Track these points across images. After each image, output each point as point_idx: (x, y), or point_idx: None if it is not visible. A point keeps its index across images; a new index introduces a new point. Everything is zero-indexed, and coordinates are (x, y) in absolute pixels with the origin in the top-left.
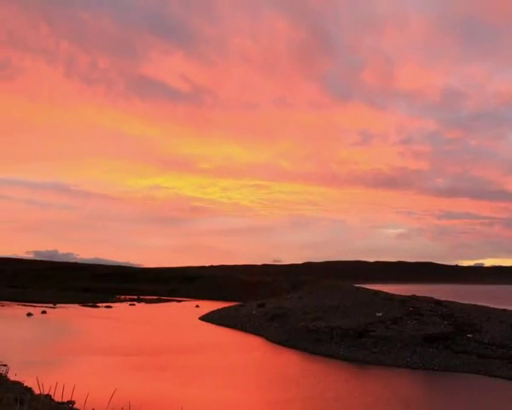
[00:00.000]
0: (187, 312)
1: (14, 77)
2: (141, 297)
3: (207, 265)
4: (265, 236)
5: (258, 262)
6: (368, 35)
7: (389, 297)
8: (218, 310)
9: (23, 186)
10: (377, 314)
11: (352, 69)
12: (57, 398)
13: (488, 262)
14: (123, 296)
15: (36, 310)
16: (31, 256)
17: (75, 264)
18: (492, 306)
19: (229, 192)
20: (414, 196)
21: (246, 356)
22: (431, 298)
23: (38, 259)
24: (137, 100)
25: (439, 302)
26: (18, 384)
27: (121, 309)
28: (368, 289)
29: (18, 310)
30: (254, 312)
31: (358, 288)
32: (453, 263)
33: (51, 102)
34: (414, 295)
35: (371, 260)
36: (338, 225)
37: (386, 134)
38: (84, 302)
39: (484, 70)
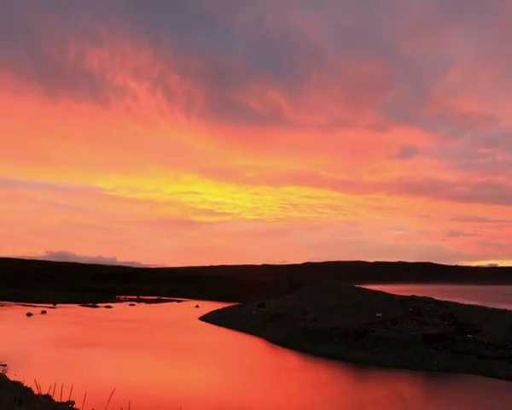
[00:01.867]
0: (187, 312)
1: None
2: (141, 297)
3: (207, 265)
4: (272, 237)
5: (258, 262)
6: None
7: (389, 297)
8: (218, 310)
9: (63, 191)
10: (377, 314)
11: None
12: (56, 398)
13: (489, 263)
14: (123, 296)
15: (36, 310)
16: (43, 257)
17: (75, 264)
18: (492, 306)
19: (256, 197)
20: (431, 202)
21: (245, 356)
22: (431, 298)
23: (38, 259)
24: (210, 117)
25: (438, 302)
26: (17, 384)
27: (121, 309)
28: (368, 289)
29: (18, 310)
30: (254, 312)
31: (358, 288)
32: (453, 263)
33: (128, 112)
34: (414, 296)
35: (371, 260)
36: (346, 226)
37: (423, 150)
38: (83, 302)
39: None
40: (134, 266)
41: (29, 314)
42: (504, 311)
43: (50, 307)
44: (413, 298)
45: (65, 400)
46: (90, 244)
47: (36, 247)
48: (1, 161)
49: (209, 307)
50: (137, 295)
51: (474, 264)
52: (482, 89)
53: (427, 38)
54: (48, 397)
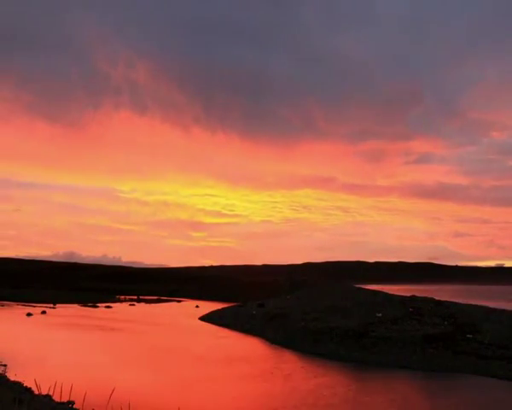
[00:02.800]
0: (187, 312)
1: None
2: (141, 297)
3: (207, 265)
4: (275, 238)
5: (258, 263)
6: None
7: (389, 297)
8: (218, 310)
9: (80, 192)
10: (377, 315)
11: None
12: (56, 398)
13: (489, 263)
14: (123, 296)
15: (36, 310)
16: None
17: (75, 264)
18: (492, 306)
19: (268, 199)
20: (440, 204)
21: (245, 356)
22: (431, 298)
23: (38, 259)
24: (243, 127)
25: (438, 302)
26: (18, 384)
27: (121, 309)
28: (368, 289)
29: (18, 310)
30: (254, 312)
31: (358, 288)
32: (456, 263)
33: (164, 120)
34: (414, 296)
35: (371, 260)
36: (351, 227)
37: (438, 157)
38: (83, 302)
39: None
40: (135, 266)
41: (29, 314)
42: (504, 311)
43: (50, 307)
44: (413, 298)
45: (65, 400)
46: (96, 245)
47: (42, 247)
48: (29, 165)
49: (209, 307)
50: (137, 296)
51: (478, 264)
52: (500, 104)
53: (455, 61)
54: (48, 397)
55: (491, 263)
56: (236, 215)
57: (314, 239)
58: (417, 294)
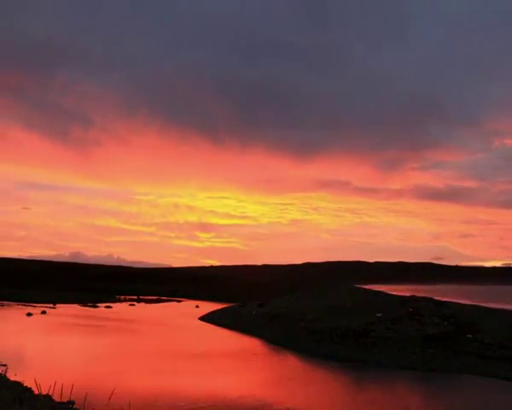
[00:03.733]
0: (187, 312)
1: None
2: (141, 297)
3: (207, 265)
4: (278, 238)
5: (258, 263)
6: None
7: (389, 297)
8: (218, 310)
9: (96, 194)
10: (377, 315)
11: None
12: (57, 398)
13: (494, 263)
14: (123, 296)
15: (36, 310)
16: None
17: (75, 264)
18: (492, 306)
19: (280, 201)
20: (449, 207)
21: (244, 357)
22: (431, 298)
23: (38, 259)
24: (273, 134)
25: (439, 303)
26: (17, 384)
27: (121, 309)
28: (368, 289)
29: (18, 310)
30: (254, 312)
31: (358, 288)
32: (454, 263)
33: (195, 127)
34: (414, 296)
35: (371, 260)
36: (357, 228)
37: (452, 162)
38: (84, 303)
39: None
40: (135, 266)
41: (29, 314)
42: (504, 311)
43: (50, 307)
44: (413, 298)
45: (65, 400)
46: (102, 245)
47: (49, 248)
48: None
49: (209, 307)
50: (137, 295)
51: (482, 264)
52: None
53: (478, 77)
54: (48, 397)
55: (497, 263)
56: (245, 217)
57: (318, 240)
58: (417, 294)
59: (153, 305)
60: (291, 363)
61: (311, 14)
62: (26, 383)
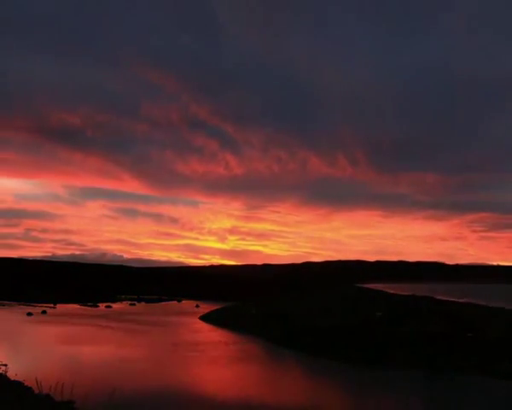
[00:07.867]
0: (187, 311)
1: None
2: (141, 297)
3: (207, 265)
4: (281, 239)
5: (258, 262)
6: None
7: (389, 297)
8: (218, 310)
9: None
10: (377, 314)
11: None
12: (57, 398)
13: (490, 262)
14: (123, 296)
15: (36, 310)
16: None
17: (75, 263)
18: (492, 305)
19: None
20: (462, 210)
21: (244, 357)
22: (431, 297)
23: (39, 259)
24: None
25: (439, 301)
26: (18, 384)
27: (121, 309)
28: (368, 289)
29: (18, 310)
30: (254, 312)
31: (358, 287)
32: (454, 263)
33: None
34: (414, 295)
35: (371, 260)
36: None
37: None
38: (84, 302)
39: None
40: (135, 265)
41: (29, 314)
42: (505, 310)
43: (51, 307)
44: (413, 297)
45: (65, 399)
46: (107, 245)
47: (51, 248)
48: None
49: (209, 306)
50: (138, 295)
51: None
52: None
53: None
54: (48, 397)
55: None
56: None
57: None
58: (417, 294)
59: (153, 304)
60: (290, 362)
61: None
62: (26, 383)
